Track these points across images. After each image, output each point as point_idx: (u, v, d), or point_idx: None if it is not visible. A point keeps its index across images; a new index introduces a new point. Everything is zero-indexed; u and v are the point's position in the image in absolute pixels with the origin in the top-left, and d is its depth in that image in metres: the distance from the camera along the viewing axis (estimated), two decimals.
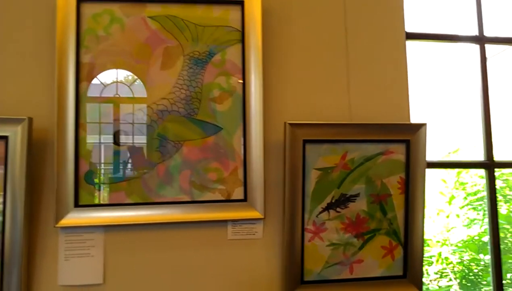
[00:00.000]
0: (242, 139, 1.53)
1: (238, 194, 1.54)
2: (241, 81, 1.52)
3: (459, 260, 3.23)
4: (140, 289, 1.49)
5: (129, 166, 1.48)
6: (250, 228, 1.56)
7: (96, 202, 1.46)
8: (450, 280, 3.18)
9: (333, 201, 1.56)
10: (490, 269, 1.89)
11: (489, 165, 1.92)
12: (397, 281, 1.60)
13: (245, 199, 1.53)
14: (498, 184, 3.19)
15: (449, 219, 3.32)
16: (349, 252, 1.57)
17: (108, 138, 1.46)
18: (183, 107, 1.51)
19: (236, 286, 1.54)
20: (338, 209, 1.56)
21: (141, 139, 1.49)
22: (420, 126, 1.58)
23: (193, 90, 1.51)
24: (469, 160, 1.88)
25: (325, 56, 1.61)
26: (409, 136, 1.58)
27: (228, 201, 1.53)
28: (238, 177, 1.53)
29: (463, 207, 3.29)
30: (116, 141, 1.46)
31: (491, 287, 1.92)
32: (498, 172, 3.23)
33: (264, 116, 1.53)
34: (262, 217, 1.53)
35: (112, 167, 1.47)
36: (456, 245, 3.23)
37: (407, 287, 1.60)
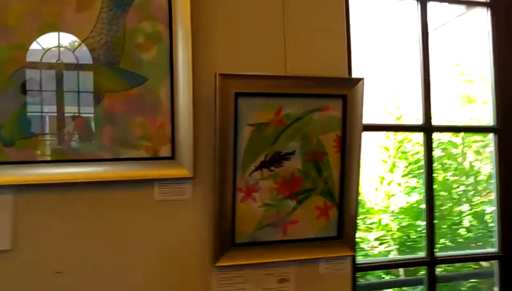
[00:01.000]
0: (169, 91, 1.35)
1: (165, 151, 1.37)
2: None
3: (398, 227, 3.21)
4: (56, 255, 1.30)
5: (41, 119, 1.28)
6: (178, 188, 1.40)
7: (4, 159, 1.25)
8: (389, 245, 3.16)
9: (267, 159, 1.42)
10: (425, 223, 1.83)
11: (427, 129, 1.84)
12: (331, 242, 1.50)
13: (172, 157, 1.37)
14: (437, 153, 3.17)
15: (390, 186, 3.28)
16: (283, 212, 1.45)
17: (14, 87, 1.24)
18: (104, 54, 1.31)
19: (163, 250, 1.39)
20: (272, 168, 1.43)
21: (55, 89, 1.28)
22: (357, 81, 1.46)
23: (114, 35, 1.31)
24: (406, 123, 1.80)
25: (260, 4, 1.45)
26: (346, 91, 1.46)
27: (154, 158, 1.37)
28: (165, 132, 1.36)
29: (404, 175, 3.26)
30: (24, 90, 1.25)
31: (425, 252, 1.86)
32: (437, 141, 3.22)
33: (193, 67, 1.36)
34: (191, 176, 1.37)
35: (21, 120, 1.26)
36: (395, 212, 3.20)
37: (341, 248, 1.51)
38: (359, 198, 1.52)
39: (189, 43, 1.35)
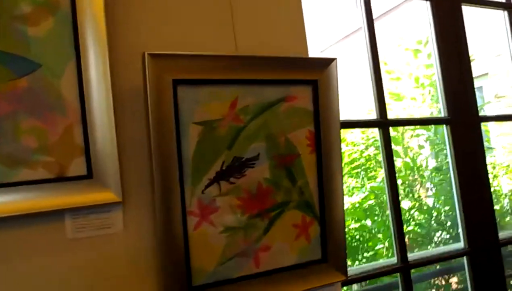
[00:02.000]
0: (76, 82, 0.87)
1: (77, 168, 0.86)
2: None
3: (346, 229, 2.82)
4: None
5: None
6: (102, 219, 0.89)
7: None
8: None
9: (223, 167, 0.96)
10: (391, 226, 1.46)
11: (384, 123, 1.50)
12: (317, 267, 1.06)
13: (89, 175, 0.87)
14: (371, 150, 2.88)
15: None
16: (252, 237, 0.99)
17: None
18: None
19: None
20: (231, 179, 0.97)
21: None
22: (330, 62, 1.06)
23: None
24: (363, 119, 1.46)
25: None
26: (316, 75, 1.06)
27: (61, 179, 0.85)
28: (74, 141, 0.86)
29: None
30: None
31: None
32: (371, 138, 2.94)
33: (110, 47, 0.88)
34: (119, 200, 0.87)
35: None
36: None
37: (329, 273, 1.06)
38: (344, 206, 1.10)
39: (101, 14, 0.88)
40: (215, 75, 0.93)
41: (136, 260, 0.89)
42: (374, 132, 2.78)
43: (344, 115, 1.33)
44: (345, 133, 2.83)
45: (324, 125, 1.05)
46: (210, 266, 0.93)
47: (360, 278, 1.44)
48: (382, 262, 1.46)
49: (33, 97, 0.83)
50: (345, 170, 2.95)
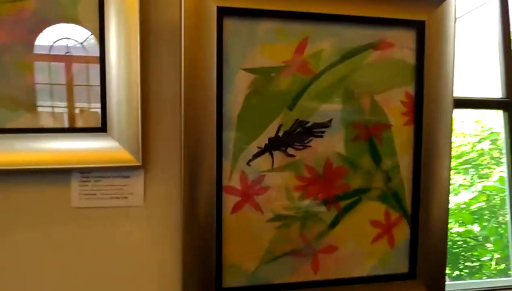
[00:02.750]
0: (96, 8, 0.66)
1: (89, 116, 0.67)
2: None
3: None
4: None
5: None
6: (117, 186, 0.69)
7: None
8: None
9: (280, 133, 0.69)
10: (509, 235, 1.07)
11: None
12: (400, 284, 0.76)
13: (103, 128, 0.66)
14: (485, 145, 2.36)
15: None
16: (312, 232, 0.72)
17: None
18: None
19: None
20: (290, 150, 0.70)
21: None
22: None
23: None
24: (480, 97, 1.07)
25: None
26: (424, 14, 0.73)
27: (69, 130, 0.66)
28: (89, 82, 0.66)
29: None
30: None
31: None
32: (487, 130, 2.40)
33: None
34: (139, 163, 0.66)
35: None
36: None
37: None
38: (449, 203, 0.78)
39: None
40: (278, 5, 0.66)
41: (156, 246, 0.68)
42: (490, 123, 2.25)
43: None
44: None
45: (430, 86, 0.72)
46: (250, 265, 0.69)
47: None
48: (493, 280, 1.10)
49: (42, 23, 0.64)
50: (452, 164, 2.44)
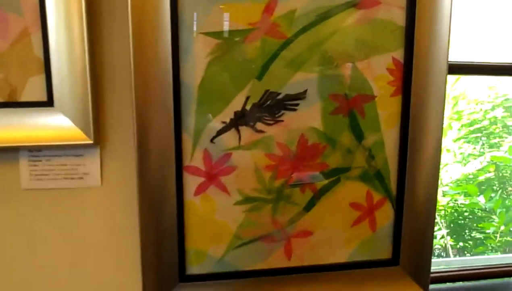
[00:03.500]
0: None
1: (33, 89, 0.60)
2: None
3: (453, 204, 2.26)
4: None
5: None
6: (71, 166, 0.63)
7: None
8: (440, 229, 2.25)
9: (247, 106, 0.62)
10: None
11: None
12: (383, 271, 0.69)
13: (49, 102, 0.60)
14: (498, 112, 2.23)
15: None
16: (285, 215, 0.65)
17: None
18: None
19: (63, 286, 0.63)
20: (259, 125, 0.63)
21: None
22: None
23: None
24: (491, 63, 0.96)
25: None
26: None
27: (11, 104, 0.60)
28: (32, 50, 0.59)
29: (457, 139, 2.30)
30: None
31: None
32: (501, 97, 2.27)
33: None
34: (90, 141, 0.60)
35: None
36: (449, 185, 2.25)
37: (399, 283, 0.69)
38: (438, 185, 0.70)
39: None
40: None
41: (115, 229, 0.63)
42: (504, 90, 2.13)
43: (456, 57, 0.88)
44: (465, 84, 2.21)
45: (421, 52, 0.63)
46: (217, 250, 0.63)
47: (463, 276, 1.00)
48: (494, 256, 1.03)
49: None
50: (462, 132, 2.32)
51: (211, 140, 0.61)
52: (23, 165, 0.61)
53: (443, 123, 0.66)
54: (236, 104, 0.61)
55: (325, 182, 0.65)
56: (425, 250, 0.68)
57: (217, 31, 0.59)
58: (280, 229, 0.65)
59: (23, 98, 0.60)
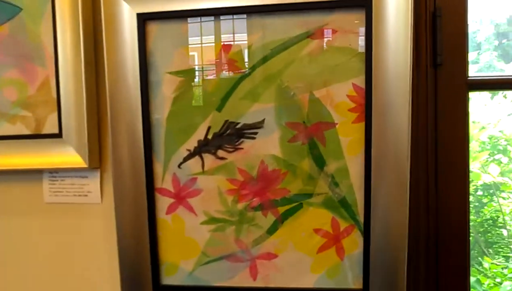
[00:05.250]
0: (51, 26, 0.75)
1: (51, 124, 0.77)
2: None
3: None
4: None
5: None
6: (78, 185, 0.78)
7: None
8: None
9: (209, 136, 0.69)
10: None
11: None
12: None
13: (60, 134, 0.76)
14: None
15: None
16: (249, 237, 0.70)
17: None
18: None
19: (57, 285, 0.79)
20: (220, 153, 0.69)
21: None
22: None
23: None
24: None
25: None
26: None
27: (37, 136, 0.78)
28: (50, 94, 0.76)
29: None
30: None
31: None
32: None
33: None
34: (85, 166, 0.74)
35: None
36: None
37: None
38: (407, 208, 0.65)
39: None
40: (197, 4, 0.65)
41: (108, 240, 0.75)
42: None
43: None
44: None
45: (381, 76, 0.62)
46: (188, 265, 0.71)
47: None
48: None
49: (14, 45, 0.76)
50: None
51: (179, 166, 0.69)
52: (46, 183, 0.78)
53: (408, 148, 0.62)
54: (199, 133, 0.68)
55: (287, 207, 0.68)
56: (398, 282, 0.65)
57: (180, 70, 0.68)
58: (244, 249, 0.69)
59: (45, 131, 0.76)
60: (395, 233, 0.64)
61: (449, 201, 0.70)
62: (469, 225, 0.71)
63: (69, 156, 0.75)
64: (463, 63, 0.70)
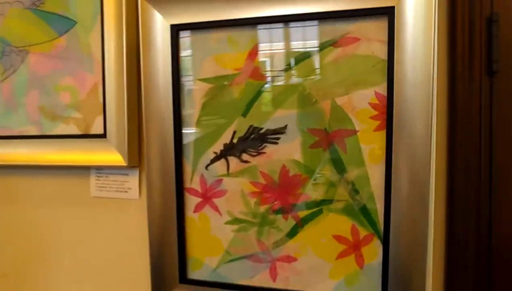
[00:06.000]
0: (100, 37, 0.84)
1: (98, 125, 0.85)
2: None
3: None
4: None
5: None
6: (119, 182, 0.86)
7: None
8: None
9: (234, 140, 0.73)
10: None
11: None
12: None
13: (104, 134, 0.84)
14: None
15: None
16: (269, 239, 0.72)
17: None
18: None
19: (95, 271, 0.88)
20: (244, 156, 0.72)
21: None
22: None
23: None
24: None
25: None
26: (393, 0, 0.62)
27: (86, 136, 0.87)
28: (98, 98, 0.85)
29: None
30: None
31: None
32: None
33: None
34: (125, 164, 0.81)
35: None
36: None
37: None
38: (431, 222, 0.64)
39: None
40: (226, 15, 0.69)
41: (145, 234, 0.82)
42: None
43: None
44: None
45: (402, 83, 0.62)
46: (212, 262, 0.75)
47: None
48: None
49: (70, 55, 0.86)
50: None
51: (206, 168, 0.74)
52: (92, 179, 0.87)
53: (432, 155, 0.61)
54: (225, 137, 0.72)
55: (307, 212, 0.69)
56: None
57: (209, 77, 0.72)
58: (265, 251, 0.72)
59: (93, 131, 0.85)
60: (415, 243, 0.63)
61: (503, 211, 0.67)
62: None
63: (111, 154, 0.82)
64: None
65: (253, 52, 0.69)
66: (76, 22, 0.85)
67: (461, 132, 0.65)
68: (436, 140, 0.65)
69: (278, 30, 0.68)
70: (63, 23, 0.86)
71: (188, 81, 0.73)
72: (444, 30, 0.65)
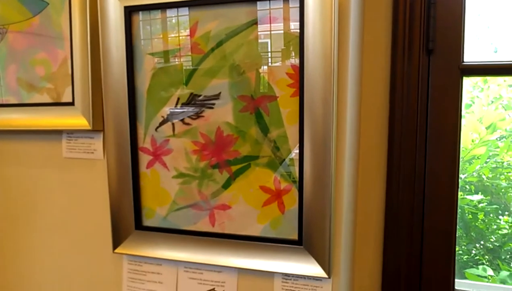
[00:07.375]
0: (68, 16, 0.97)
1: (67, 95, 0.99)
2: None
3: None
4: None
5: None
6: (86, 144, 1.00)
7: None
8: None
9: (178, 105, 0.86)
10: None
11: None
12: (289, 249, 0.82)
13: (73, 102, 0.98)
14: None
15: None
16: (208, 190, 0.86)
17: None
18: None
19: (67, 224, 1.03)
20: (187, 120, 0.86)
21: None
22: None
23: None
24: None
25: None
26: None
27: (57, 104, 1.00)
28: (67, 71, 0.98)
29: None
30: None
31: None
32: None
33: None
34: (89, 128, 0.95)
35: None
36: None
37: (302, 261, 0.81)
38: (333, 168, 0.77)
39: None
40: None
41: (107, 187, 0.96)
42: None
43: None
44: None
45: (313, 57, 0.75)
46: (162, 211, 0.89)
47: None
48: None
49: (43, 32, 0.99)
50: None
51: (156, 130, 0.88)
52: (64, 142, 1.01)
53: (333, 119, 0.74)
54: (171, 103, 0.86)
55: (238, 166, 0.83)
56: (324, 234, 0.78)
57: (157, 51, 0.85)
58: (205, 200, 0.86)
59: (63, 100, 0.99)
60: (321, 195, 0.76)
61: (438, 182, 0.80)
62: (457, 202, 0.79)
63: (79, 119, 0.96)
64: (458, 49, 0.78)
65: (193, 30, 0.82)
66: (48, 4, 0.97)
67: (400, 103, 0.78)
68: (360, 108, 0.78)
69: (212, 11, 0.81)
70: (37, 4, 0.99)
71: (139, 56, 0.86)
72: (389, 12, 0.78)
